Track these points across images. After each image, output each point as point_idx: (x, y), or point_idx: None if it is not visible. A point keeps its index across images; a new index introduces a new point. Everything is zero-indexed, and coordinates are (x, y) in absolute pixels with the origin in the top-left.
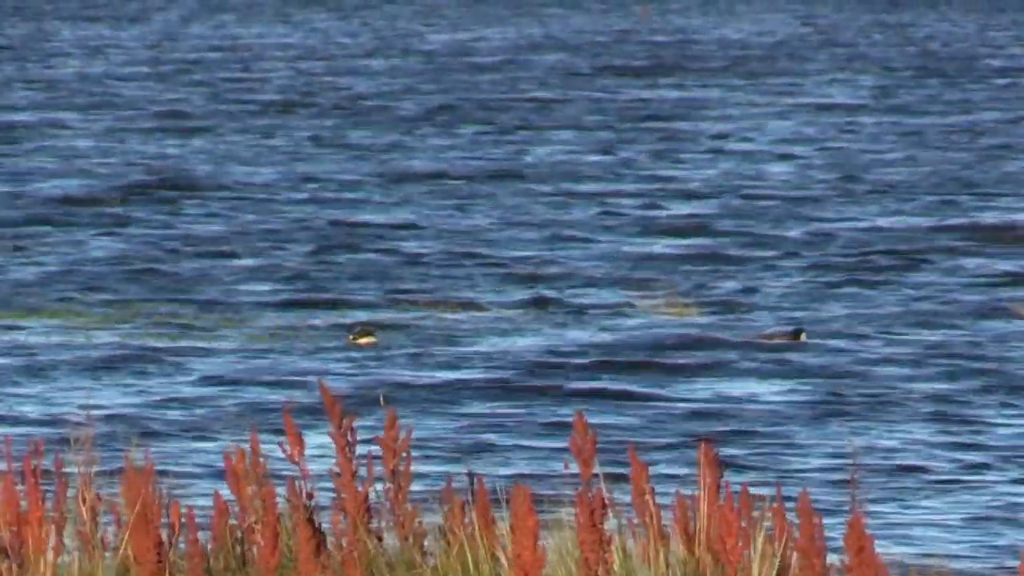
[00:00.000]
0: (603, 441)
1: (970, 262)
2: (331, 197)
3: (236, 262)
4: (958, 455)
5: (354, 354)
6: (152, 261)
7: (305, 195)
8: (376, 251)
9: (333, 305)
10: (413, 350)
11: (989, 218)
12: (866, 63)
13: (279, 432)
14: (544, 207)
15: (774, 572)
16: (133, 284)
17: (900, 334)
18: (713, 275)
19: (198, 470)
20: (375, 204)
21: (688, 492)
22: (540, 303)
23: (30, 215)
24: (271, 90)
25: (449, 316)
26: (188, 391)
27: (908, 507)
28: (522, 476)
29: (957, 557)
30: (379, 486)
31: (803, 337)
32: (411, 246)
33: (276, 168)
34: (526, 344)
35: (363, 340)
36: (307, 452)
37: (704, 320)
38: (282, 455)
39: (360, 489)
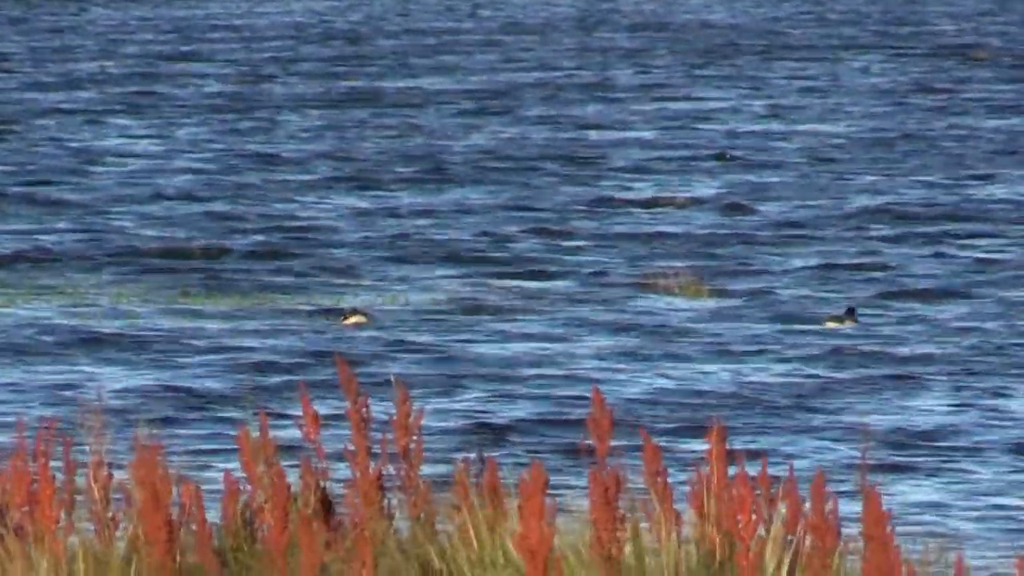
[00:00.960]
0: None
1: (983, 241)
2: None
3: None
4: (978, 431)
5: (347, 335)
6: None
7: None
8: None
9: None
10: (404, 331)
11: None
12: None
13: (279, 414)
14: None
15: (789, 551)
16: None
17: (922, 309)
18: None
19: (210, 449)
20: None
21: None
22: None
23: None
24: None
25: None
26: (197, 370)
27: (920, 484)
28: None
29: (972, 539)
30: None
31: (854, 318)
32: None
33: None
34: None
35: (352, 320)
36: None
37: (724, 300)
38: (289, 437)
39: (373, 468)
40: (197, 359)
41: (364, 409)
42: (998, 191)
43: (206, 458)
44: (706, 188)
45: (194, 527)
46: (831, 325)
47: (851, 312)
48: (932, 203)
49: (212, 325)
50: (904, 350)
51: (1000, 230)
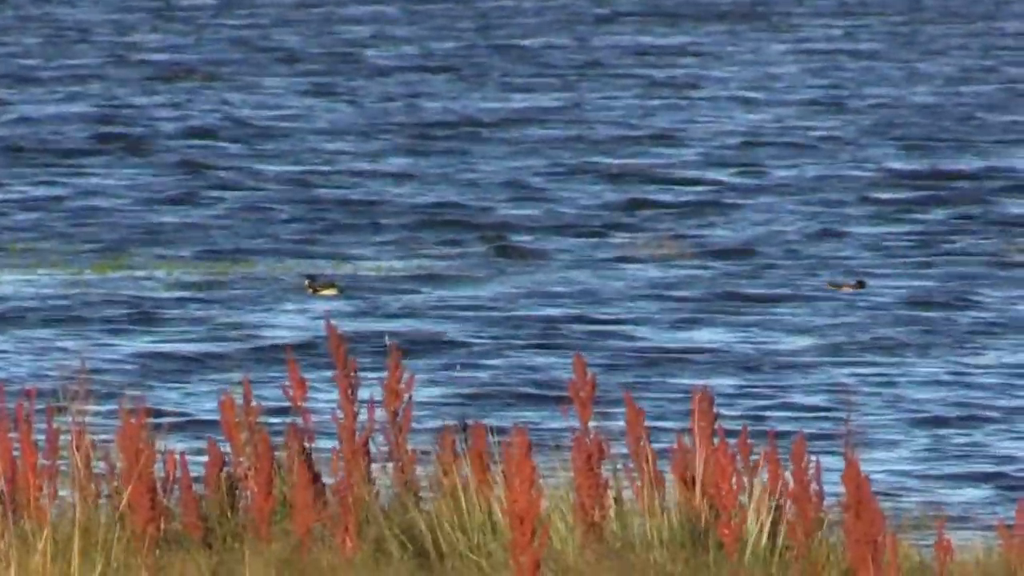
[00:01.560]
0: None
1: (974, 209)
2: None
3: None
4: (953, 403)
5: (315, 304)
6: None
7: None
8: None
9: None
10: (373, 302)
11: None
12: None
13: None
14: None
15: (770, 516)
16: (112, 233)
17: (901, 277)
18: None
19: (195, 417)
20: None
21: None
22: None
23: None
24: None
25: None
26: (178, 340)
27: (901, 450)
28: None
29: (950, 504)
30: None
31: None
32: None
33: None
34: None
35: (325, 291)
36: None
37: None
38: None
39: (359, 435)
40: (178, 328)
41: (352, 375)
42: None
43: (193, 427)
44: None
45: (178, 495)
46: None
47: (861, 283)
48: None
49: (189, 293)
50: None
51: None
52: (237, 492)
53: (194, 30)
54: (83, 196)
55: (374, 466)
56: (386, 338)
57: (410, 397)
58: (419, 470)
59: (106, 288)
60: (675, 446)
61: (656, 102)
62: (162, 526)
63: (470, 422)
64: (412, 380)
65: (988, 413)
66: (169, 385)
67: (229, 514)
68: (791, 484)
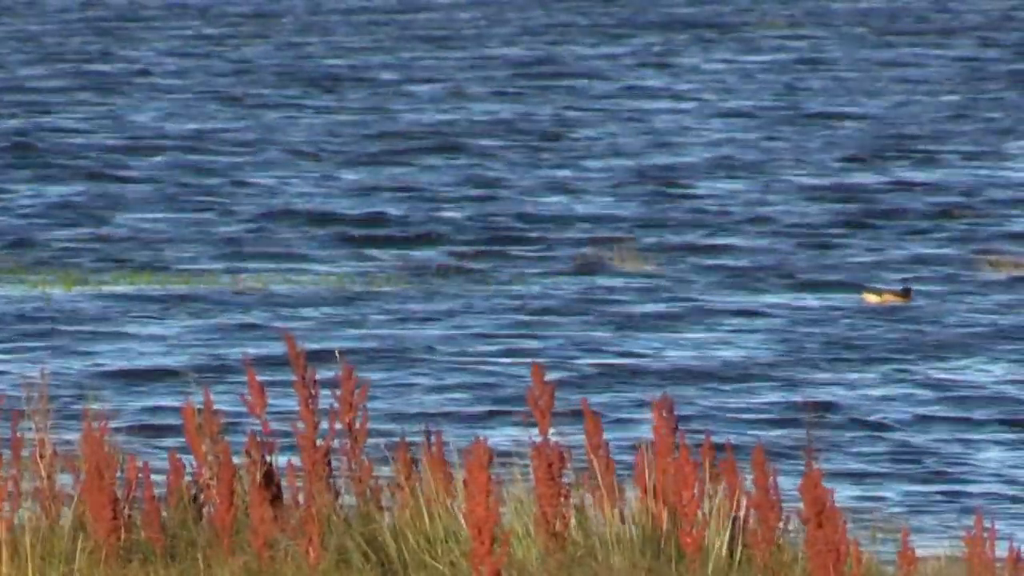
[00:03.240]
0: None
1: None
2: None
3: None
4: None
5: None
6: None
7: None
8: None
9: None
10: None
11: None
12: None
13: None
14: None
15: (729, 523)
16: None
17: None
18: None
19: (156, 426)
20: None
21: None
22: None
23: None
24: None
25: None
26: (139, 350)
27: (862, 456)
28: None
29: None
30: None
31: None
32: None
33: None
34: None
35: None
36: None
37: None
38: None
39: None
40: (137, 338)
41: (312, 384)
42: None
43: (156, 437)
44: None
45: (142, 504)
46: (871, 299)
47: (907, 292)
48: None
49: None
50: None
51: None
52: (200, 503)
53: None
54: None
55: (337, 476)
56: (336, 352)
57: (364, 408)
58: (382, 480)
59: None
60: (636, 454)
61: None
62: (123, 537)
63: (432, 431)
64: (365, 391)
65: (943, 422)
66: (139, 393)
67: (192, 525)
68: (753, 492)
